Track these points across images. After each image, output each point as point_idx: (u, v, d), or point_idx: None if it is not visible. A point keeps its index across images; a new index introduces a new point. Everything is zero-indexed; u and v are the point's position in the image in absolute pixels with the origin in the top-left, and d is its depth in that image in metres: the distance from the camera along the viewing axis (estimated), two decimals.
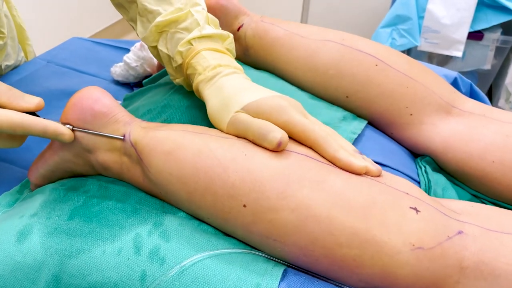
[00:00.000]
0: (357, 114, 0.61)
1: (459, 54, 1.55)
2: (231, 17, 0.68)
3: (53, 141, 0.50)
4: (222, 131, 0.46)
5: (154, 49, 0.56)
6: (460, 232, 0.40)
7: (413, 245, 0.37)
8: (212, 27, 0.53)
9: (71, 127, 0.46)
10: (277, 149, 0.41)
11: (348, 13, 2.39)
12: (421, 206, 0.40)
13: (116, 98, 0.77)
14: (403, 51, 1.81)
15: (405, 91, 0.58)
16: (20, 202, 0.50)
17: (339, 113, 0.59)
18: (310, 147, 0.43)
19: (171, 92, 0.61)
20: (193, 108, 0.57)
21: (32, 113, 0.45)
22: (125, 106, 0.67)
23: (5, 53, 0.77)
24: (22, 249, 0.42)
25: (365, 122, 0.60)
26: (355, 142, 0.55)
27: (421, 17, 1.60)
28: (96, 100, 0.47)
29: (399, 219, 0.38)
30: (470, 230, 0.41)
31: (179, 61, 0.52)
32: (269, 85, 0.61)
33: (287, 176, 0.39)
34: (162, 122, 0.55)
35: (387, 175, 0.43)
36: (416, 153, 0.61)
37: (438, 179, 0.56)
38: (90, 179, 0.49)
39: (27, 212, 0.46)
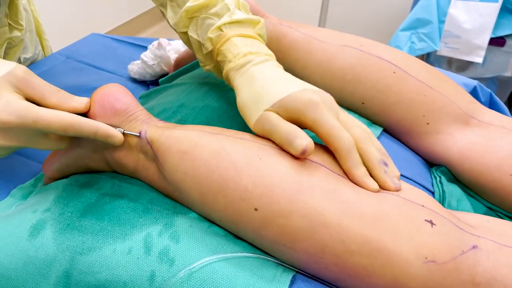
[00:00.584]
0: (373, 121, 0.61)
1: (479, 60, 1.52)
2: None
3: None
4: (249, 126, 0.45)
5: (185, 35, 0.55)
6: (474, 247, 0.39)
7: (426, 258, 0.37)
8: (242, 12, 0.52)
9: (122, 130, 0.46)
10: (302, 156, 0.40)
11: (367, 15, 2.37)
12: (437, 219, 0.39)
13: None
14: (422, 56, 1.79)
15: (423, 99, 0.57)
16: (33, 196, 0.51)
17: None
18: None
19: (187, 92, 0.61)
20: (209, 108, 0.57)
21: (81, 114, 0.45)
22: (140, 104, 0.67)
23: (23, 45, 0.78)
24: (34, 244, 0.43)
25: (380, 129, 0.59)
26: None
27: (442, 21, 1.58)
28: (118, 98, 0.47)
29: (412, 231, 0.38)
30: (484, 245, 0.40)
31: (209, 47, 0.52)
32: None
33: (299, 182, 0.39)
34: (177, 122, 0.55)
35: (402, 186, 0.43)
36: (431, 163, 0.60)
37: (453, 190, 0.56)
38: (103, 176, 0.49)
39: (40, 207, 0.46)
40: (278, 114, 0.43)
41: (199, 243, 0.41)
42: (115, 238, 0.42)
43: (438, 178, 0.56)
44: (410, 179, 0.54)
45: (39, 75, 0.79)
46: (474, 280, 0.38)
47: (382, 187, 0.41)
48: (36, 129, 0.40)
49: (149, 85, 0.80)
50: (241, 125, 0.53)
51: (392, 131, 0.61)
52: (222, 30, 0.50)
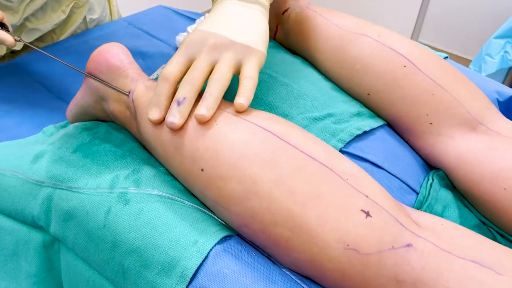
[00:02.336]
0: (377, 114, 0.59)
1: None
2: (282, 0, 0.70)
3: (82, 86, 0.57)
4: None
5: None
6: (408, 245, 0.38)
7: (348, 245, 0.37)
8: None
9: (18, 38, 0.56)
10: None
11: (467, 17, 2.20)
12: (376, 211, 0.39)
13: None
14: None
15: (429, 98, 0.55)
16: (55, 134, 0.60)
17: (354, 108, 0.58)
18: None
19: None
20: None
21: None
22: None
23: (88, 6, 0.88)
24: (32, 168, 0.50)
25: (381, 123, 0.58)
26: (357, 138, 0.54)
27: None
28: (113, 54, 0.53)
29: (341, 217, 0.38)
30: (421, 245, 0.39)
31: None
32: (296, 71, 0.62)
33: (242, 150, 0.41)
34: None
35: (357, 173, 0.42)
36: (432, 166, 0.58)
37: (444, 196, 0.53)
38: (104, 124, 0.56)
39: (50, 140, 0.54)
40: None
41: (154, 193, 0.45)
42: (90, 174, 0.48)
43: (430, 181, 0.54)
44: (392, 174, 0.52)
45: (101, 36, 0.89)
46: (398, 277, 0.37)
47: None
48: None
49: None
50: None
51: (395, 127, 0.59)
52: None
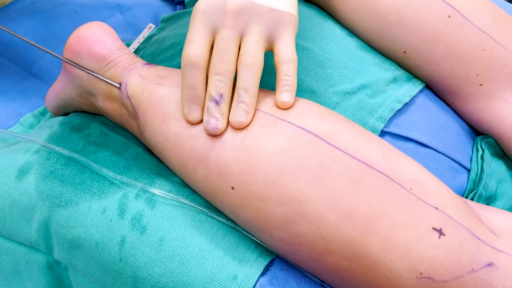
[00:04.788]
0: (415, 74, 0.51)
1: None
2: None
3: (62, 74, 0.47)
4: None
5: None
6: (490, 265, 0.32)
7: (421, 273, 0.31)
8: None
9: (116, 85, 0.42)
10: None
11: None
12: (449, 227, 0.32)
13: (157, 16, 0.72)
14: None
15: (480, 55, 0.46)
16: (35, 130, 0.50)
17: (389, 73, 0.49)
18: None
19: None
20: None
21: None
22: (160, 29, 0.62)
23: None
24: (19, 187, 0.42)
25: (421, 86, 0.49)
26: (399, 112, 0.46)
27: None
28: (95, 41, 0.42)
29: (412, 240, 0.31)
30: (503, 262, 0.33)
31: None
32: (315, 28, 0.52)
33: (282, 162, 0.33)
34: None
35: (420, 176, 0.35)
36: (478, 131, 0.51)
37: (496, 168, 0.47)
38: (95, 120, 0.46)
39: (33, 147, 0.45)
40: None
41: (175, 212, 0.38)
42: (92, 194, 0.40)
43: (480, 152, 0.47)
44: (442, 153, 0.45)
45: None
46: None
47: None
48: None
49: (176, 4, 0.73)
50: None
51: (435, 89, 0.51)
52: None
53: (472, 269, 0.32)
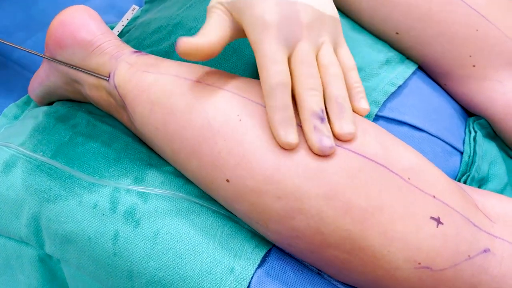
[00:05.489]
0: (408, 55, 0.50)
1: None
2: None
3: (44, 62, 0.45)
4: None
5: None
6: (486, 251, 0.33)
7: (419, 263, 0.31)
8: None
9: (106, 78, 0.40)
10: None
11: None
12: (447, 216, 0.32)
13: None
14: None
15: (472, 34, 0.46)
16: (19, 121, 0.49)
17: (382, 54, 0.48)
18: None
19: (187, 6, 0.52)
20: None
21: None
22: (144, 10, 0.59)
23: None
24: (6, 182, 0.41)
25: (413, 68, 0.49)
26: (392, 96, 0.45)
27: None
28: (79, 25, 0.40)
29: (410, 231, 0.31)
30: (499, 248, 0.33)
31: None
32: None
33: (279, 158, 0.32)
34: (170, 46, 0.48)
35: (416, 164, 0.34)
36: (470, 113, 0.50)
37: (488, 149, 0.47)
38: (81, 110, 0.45)
39: (17, 139, 0.43)
40: (227, 11, 0.36)
41: (168, 205, 0.37)
42: (82, 188, 0.39)
43: (473, 134, 0.47)
44: (435, 136, 0.45)
45: None
46: None
47: (309, 145, 0.33)
48: None
49: None
50: (242, 57, 0.45)
51: (428, 70, 0.50)
52: None
53: (469, 256, 0.32)
